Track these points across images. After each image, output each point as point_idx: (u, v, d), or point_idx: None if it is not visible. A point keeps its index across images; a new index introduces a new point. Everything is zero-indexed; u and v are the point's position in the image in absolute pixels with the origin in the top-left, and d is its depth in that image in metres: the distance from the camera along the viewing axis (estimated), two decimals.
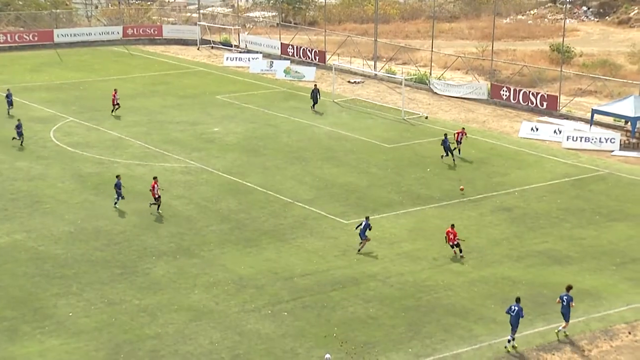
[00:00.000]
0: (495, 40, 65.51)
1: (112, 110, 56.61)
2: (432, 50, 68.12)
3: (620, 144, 50.02)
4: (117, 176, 40.02)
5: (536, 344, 27.72)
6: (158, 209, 38.86)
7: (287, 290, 31.37)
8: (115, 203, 39.40)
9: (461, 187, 42.01)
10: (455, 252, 34.39)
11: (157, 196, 38.67)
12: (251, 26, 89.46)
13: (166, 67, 74.44)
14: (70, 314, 29.42)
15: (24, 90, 63.75)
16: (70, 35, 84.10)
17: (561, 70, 59.60)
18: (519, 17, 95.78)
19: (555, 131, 52.30)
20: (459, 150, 47.11)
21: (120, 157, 47.31)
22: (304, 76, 69.73)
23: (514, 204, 40.54)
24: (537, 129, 52.98)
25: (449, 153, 46.32)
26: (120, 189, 39.18)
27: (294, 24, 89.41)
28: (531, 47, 78.18)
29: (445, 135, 46.52)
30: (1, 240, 35.52)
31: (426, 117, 57.07)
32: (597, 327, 28.85)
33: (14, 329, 28.31)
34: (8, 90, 57.12)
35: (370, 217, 35.33)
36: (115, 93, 56.72)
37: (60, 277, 32.17)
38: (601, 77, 61.55)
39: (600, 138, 50.29)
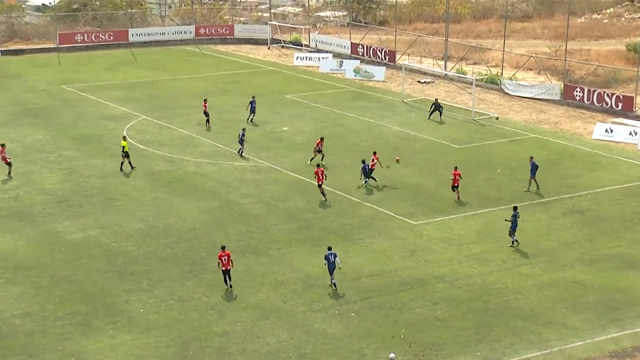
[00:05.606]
0: (569, 39, 64.32)
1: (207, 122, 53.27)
2: (503, 50, 67.24)
3: None
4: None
5: (609, 350, 27.13)
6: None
7: (354, 290, 31.34)
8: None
9: (397, 158, 44.72)
10: (457, 195, 39.97)
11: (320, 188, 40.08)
12: (321, 26, 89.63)
13: (237, 66, 75.13)
14: (141, 310, 29.92)
15: (99, 88, 65.13)
16: (145, 34, 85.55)
17: (638, 71, 58.18)
18: (594, 16, 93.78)
19: (630, 133, 51.11)
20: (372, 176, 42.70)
21: (190, 155, 47.92)
22: (374, 76, 69.57)
23: (587, 206, 39.76)
24: (611, 131, 51.88)
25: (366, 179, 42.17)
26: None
27: (364, 23, 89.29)
28: (606, 46, 76.51)
29: (363, 160, 42.48)
30: (76, 236, 36.34)
31: (497, 118, 56.40)
32: None
33: (87, 324, 28.92)
34: (253, 97, 55.89)
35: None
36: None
37: (131, 274, 32.75)
38: None
39: None
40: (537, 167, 41.60)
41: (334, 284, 31.23)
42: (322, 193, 40.36)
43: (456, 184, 40.43)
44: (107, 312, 29.72)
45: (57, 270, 33.07)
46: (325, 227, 37.28)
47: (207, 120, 53.91)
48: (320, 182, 40.28)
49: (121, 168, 44.85)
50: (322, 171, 40.52)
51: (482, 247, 35.14)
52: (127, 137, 47.19)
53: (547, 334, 28.11)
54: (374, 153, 43.30)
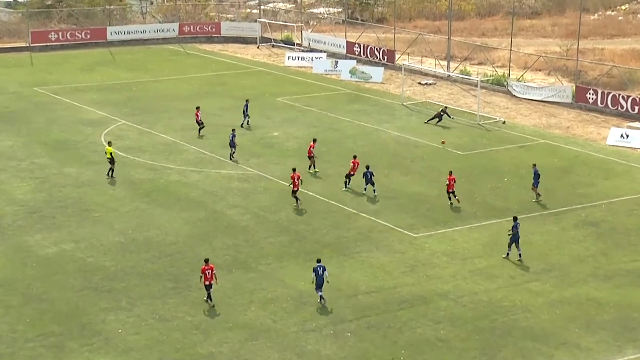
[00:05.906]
0: (581, 38, 64.47)
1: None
2: (511, 50, 67.34)
3: None
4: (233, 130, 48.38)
5: None
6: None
7: (350, 308, 31.20)
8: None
9: (443, 140, 49.14)
10: (451, 200, 40.68)
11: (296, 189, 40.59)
12: (315, 23, 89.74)
13: (224, 67, 75.13)
14: (120, 331, 29.71)
15: (75, 91, 65.02)
16: (124, 33, 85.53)
17: None
18: (608, 13, 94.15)
19: None
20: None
21: (174, 162, 47.77)
22: (371, 77, 69.58)
23: (601, 218, 39.73)
24: (627, 136, 51.94)
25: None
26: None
27: (361, 21, 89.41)
28: (621, 46, 76.74)
29: (368, 167, 42.42)
30: (49, 251, 36.13)
31: (504, 123, 56.45)
32: None
33: (60, 346, 28.68)
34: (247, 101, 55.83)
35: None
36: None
37: (109, 291, 32.53)
38: None
39: None
40: (540, 175, 41.38)
41: (321, 297, 31.07)
42: (297, 199, 40.71)
43: (451, 190, 40.59)
44: (83, 333, 29.48)
45: (29, 287, 32.83)
46: (319, 241, 37.15)
47: (200, 130, 53.20)
48: (296, 189, 40.49)
49: (108, 175, 44.67)
50: (299, 176, 40.84)
51: (488, 262, 35.05)
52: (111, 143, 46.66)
53: (559, 356, 28.01)
54: (355, 157, 43.37)
